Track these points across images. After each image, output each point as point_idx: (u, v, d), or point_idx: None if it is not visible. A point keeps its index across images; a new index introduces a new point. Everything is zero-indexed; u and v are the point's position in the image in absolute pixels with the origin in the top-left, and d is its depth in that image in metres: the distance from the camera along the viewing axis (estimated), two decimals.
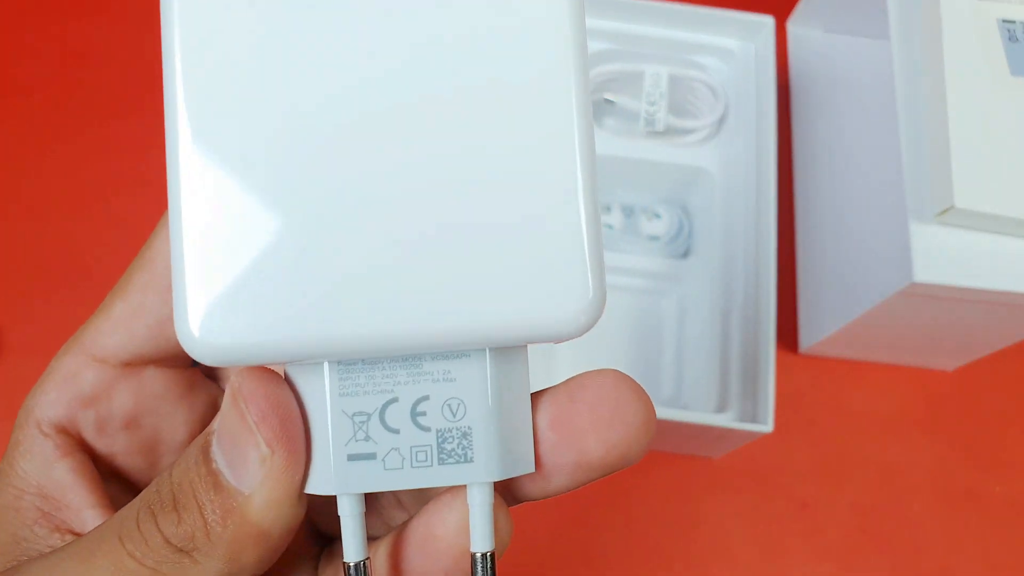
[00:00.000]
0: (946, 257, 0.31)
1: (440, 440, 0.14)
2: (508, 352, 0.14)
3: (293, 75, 0.13)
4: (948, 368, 0.43)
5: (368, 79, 0.13)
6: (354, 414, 0.14)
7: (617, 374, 0.14)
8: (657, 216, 0.42)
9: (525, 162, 0.13)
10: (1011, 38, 0.32)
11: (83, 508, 0.17)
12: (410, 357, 0.14)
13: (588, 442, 0.14)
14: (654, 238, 0.42)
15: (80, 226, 0.44)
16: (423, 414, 0.14)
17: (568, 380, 0.15)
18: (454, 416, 0.14)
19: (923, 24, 0.33)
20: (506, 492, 0.15)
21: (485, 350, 0.14)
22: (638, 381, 0.15)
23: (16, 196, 0.44)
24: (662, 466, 0.41)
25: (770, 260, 0.37)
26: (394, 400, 0.14)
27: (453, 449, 0.14)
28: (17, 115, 0.46)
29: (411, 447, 0.14)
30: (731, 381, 0.38)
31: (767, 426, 0.35)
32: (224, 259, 0.13)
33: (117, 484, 0.18)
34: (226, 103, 0.13)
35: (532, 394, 0.15)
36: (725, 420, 0.36)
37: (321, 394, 0.14)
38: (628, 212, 0.42)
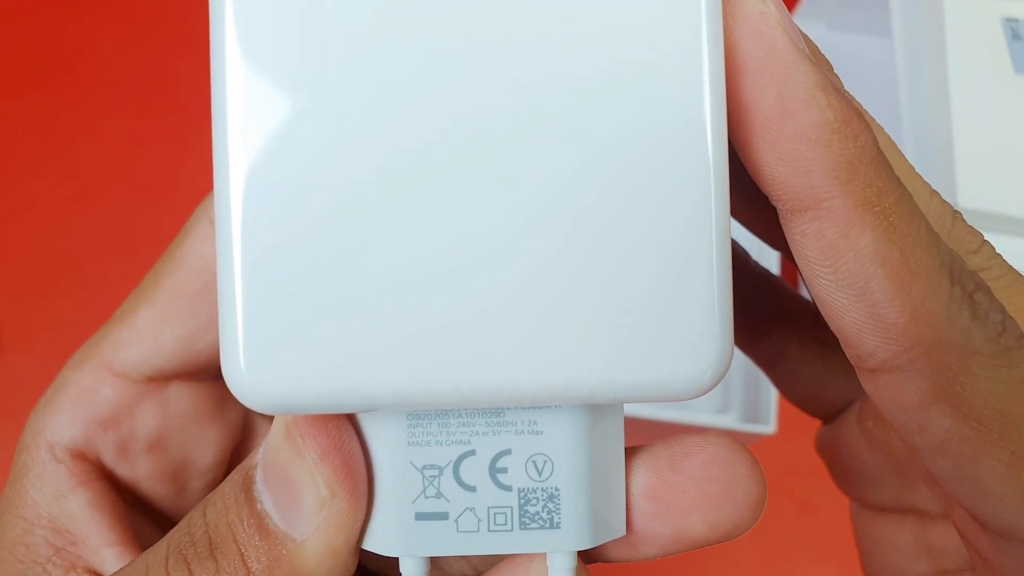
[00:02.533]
0: None
1: (522, 501, 0.12)
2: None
3: (376, 89, 0.11)
4: None
5: (456, 106, 0.11)
6: (424, 467, 0.12)
7: (730, 443, 0.13)
8: None
9: (646, 208, 0.11)
10: (1015, 36, 0.32)
11: (102, 546, 0.15)
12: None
13: (691, 520, 0.13)
14: None
15: (80, 226, 0.44)
16: (503, 470, 0.12)
17: (670, 441, 0.13)
18: (540, 475, 0.12)
19: (926, 22, 0.33)
20: (588, 551, 0.13)
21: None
22: None
23: (16, 196, 0.44)
24: None
25: (772, 260, 0.37)
26: (471, 453, 0.12)
27: (537, 512, 0.12)
28: (17, 115, 0.46)
29: (489, 508, 0.12)
30: (733, 382, 0.37)
31: (769, 427, 0.34)
32: (283, 292, 0.11)
33: (140, 513, 0.16)
34: (299, 107, 0.11)
35: (626, 449, 0.13)
36: (727, 421, 0.35)
37: (387, 441, 0.12)
38: None
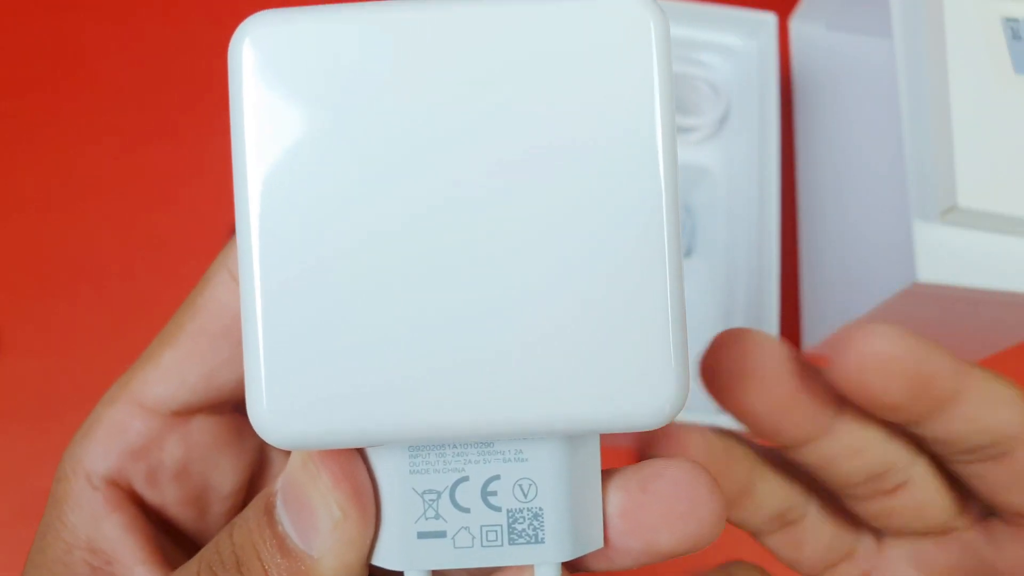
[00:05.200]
0: (950, 256, 0.31)
1: (511, 520, 0.14)
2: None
3: (378, 164, 0.12)
4: None
5: (446, 176, 0.12)
6: (424, 492, 0.14)
7: (693, 466, 0.14)
8: None
9: (608, 256, 0.12)
10: (1015, 36, 0.32)
11: (134, 564, 0.16)
12: None
13: (659, 535, 0.14)
14: None
15: (80, 226, 0.44)
16: (494, 493, 0.14)
17: (641, 465, 0.15)
18: (525, 496, 0.14)
19: (926, 22, 0.33)
20: (569, 563, 0.15)
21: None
22: None
23: (16, 196, 0.44)
24: None
25: (773, 259, 0.37)
26: (465, 479, 0.14)
27: (524, 529, 0.14)
28: (17, 115, 0.46)
29: (481, 526, 0.14)
30: None
31: None
32: (300, 347, 0.12)
33: (167, 535, 0.17)
34: (310, 178, 0.12)
35: (603, 471, 0.15)
36: (728, 421, 0.35)
37: (392, 470, 0.14)
38: None
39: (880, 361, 0.15)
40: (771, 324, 0.36)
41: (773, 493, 0.20)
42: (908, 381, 0.15)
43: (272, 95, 0.12)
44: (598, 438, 0.14)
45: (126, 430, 0.17)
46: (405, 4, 0.12)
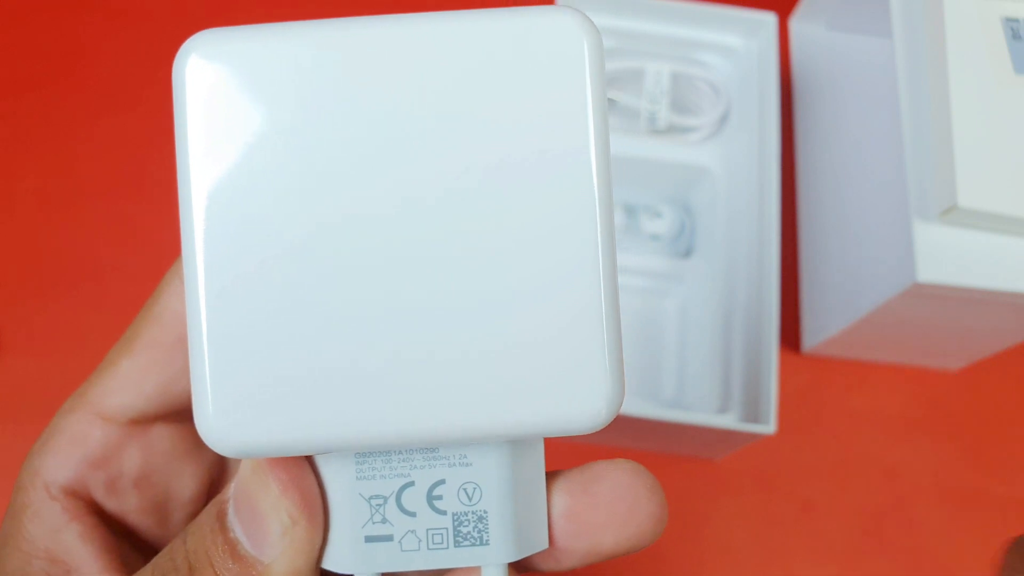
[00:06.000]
0: (950, 257, 0.31)
1: (456, 523, 0.14)
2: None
3: (319, 182, 0.13)
4: (952, 369, 0.43)
5: (387, 187, 0.13)
6: (371, 497, 0.14)
7: (634, 468, 0.15)
8: (659, 215, 0.42)
9: (544, 267, 0.13)
10: (1015, 36, 0.32)
11: (94, 573, 0.16)
12: None
13: (603, 536, 0.15)
14: (656, 237, 0.41)
15: (80, 226, 0.44)
16: (439, 498, 0.14)
17: (584, 468, 0.15)
18: (470, 500, 0.14)
19: (926, 22, 0.33)
20: (517, 564, 0.15)
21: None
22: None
23: (16, 196, 0.44)
24: (664, 467, 0.41)
25: (773, 259, 0.37)
26: (411, 484, 0.14)
27: (469, 532, 0.14)
28: (17, 115, 0.46)
29: (427, 529, 0.14)
30: (733, 382, 0.37)
31: (770, 427, 0.34)
32: (244, 360, 0.13)
33: (127, 543, 0.17)
34: (252, 196, 0.13)
35: (548, 474, 0.15)
36: (727, 421, 0.35)
37: (339, 477, 0.14)
38: (630, 211, 0.42)
39: None
40: (771, 324, 0.36)
41: None
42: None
43: (214, 109, 0.13)
44: (542, 443, 0.15)
45: (85, 439, 0.17)
46: (347, 22, 0.13)
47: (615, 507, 0.15)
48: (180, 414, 0.18)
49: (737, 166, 0.40)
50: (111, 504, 0.17)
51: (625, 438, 0.39)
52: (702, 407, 0.38)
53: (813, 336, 0.42)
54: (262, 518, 0.14)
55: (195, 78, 0.13)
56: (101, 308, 0.42)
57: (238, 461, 0.19)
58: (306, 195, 0.13)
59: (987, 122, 0.31)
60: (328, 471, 0.14)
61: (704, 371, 0.38)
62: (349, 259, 0.13)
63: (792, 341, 0.43)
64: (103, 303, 0.42)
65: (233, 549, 0.14)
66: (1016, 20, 0.32)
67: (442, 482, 0.14)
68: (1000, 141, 0.30)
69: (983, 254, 0.31)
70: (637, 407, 0.34)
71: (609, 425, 0.13)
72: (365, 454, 0.14)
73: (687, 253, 0.41)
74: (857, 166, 0.40)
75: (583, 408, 0.13)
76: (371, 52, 0.13)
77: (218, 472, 0.19)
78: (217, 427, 0.13)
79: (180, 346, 0.17)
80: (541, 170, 0.13)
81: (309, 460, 0.14)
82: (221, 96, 0.13)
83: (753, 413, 0.36)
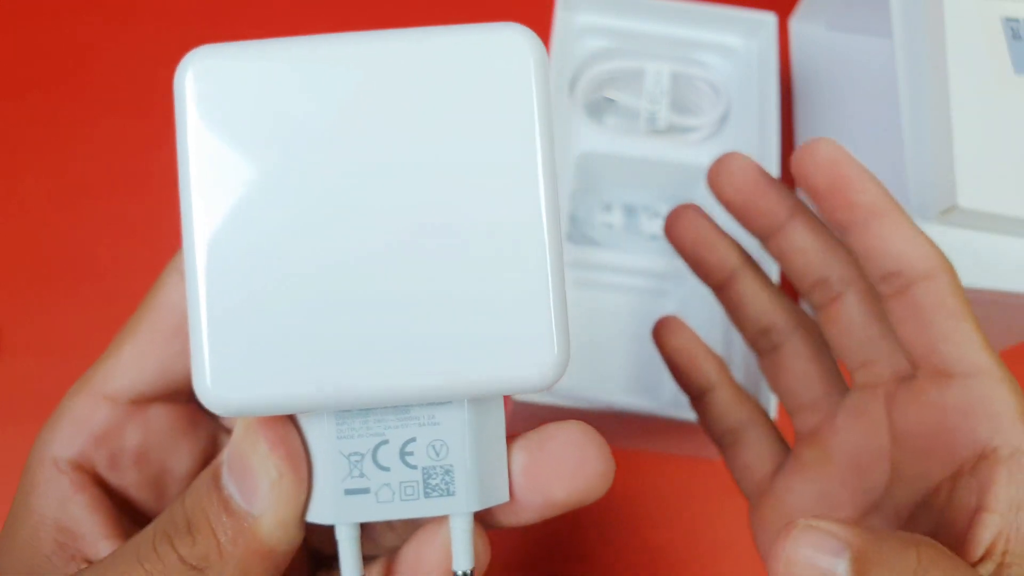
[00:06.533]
0: (949, 257, 0.31)
1: (425, 476, 0.16)
2: (485, 399, 0.16)
3: (302, 176, 0.15)
4: None
5: (361, 174, 0.15)
6: (350, 454, 0.16)
7: (582, 428, 0.16)
8: (658, 215, 0.42)
9: (499, 247, 0.15)
10: (1015, 36, 0.32)
11: (98, 539, 0.18)
12: (399, 405, 0.16)
13: (554, 488, 0.16)
14: (655, 237, 0.41)
15: (80, 226, 0.44)
16: (411, 454, 0.16)
17: (540, 429, 0.17)
18: (438, 455, 0.16)
19: (926, 21, 0.33)
20: (484, 519, 0.17)
21: (464, 399, 0.16)
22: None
23: (16, 196, 0.44)
24: (662, 467, 0.41)
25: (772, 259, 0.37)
26: (385, 442, 0.16)
27: (437, 484, 0.16)
28: (17, 115, 0.46)
29: (400, 483, 0.16)
30: None
31: None
32: (237, 325, 0.14)
33: (127, 516, 0.19)
34: (243, 190, 0.15)
35: (508, 436, 0.17)
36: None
37: (321, 436, 0.16)
38: (629, 211, 0.42)
39: (812, 151, 0.21)
40: None
41: (759, 301, 0.25)
42: (829, 172, 0.21)
43: (210, 117, 0.15)
44: (501, 406, 0.17)
45: (90, 419, 0.18)
46: (324, 39, 0.15)
47: (565, 462, 0.16)
48: (177, 395, 0.19)
49: None
50: (113, 479, 0.19)
51: (625, 437, 0.39)
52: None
53: None
54: (253, 474, 0.15)
55: (192, 88, 0.15)
56: (101, 307, 0.42)
57: (228, 440, 0.20)
58: (291, 189, 0.15)
59: (987, 122, 0.31)
60: (311, 432, 0.16)
61: None
62: (327, 245, 0.15)
63: None
64: (103, 303, 0.42)
65: (227, 505, 0.16)
66: (1016, 20, 0.32)
67: (413, 440, 0.16)
68: (1000, 141, 0.30)
69: (983, 254, 0.31)
70: (637, 406, 0.35)
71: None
72: (344, 415, 0.16)
73: None
74: None
75: (532, 370, 0.15)
76: (346, 64, 0.15)
77: (211, 451, 0.20)
78: (212, 391, 0.14)
79: (177, 333, 0.18)
80: (495, 161, 0.15)
81: (294, 423, 0.16)
82: (215, 102, 0.15)
83: None
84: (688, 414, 0.35)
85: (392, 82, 0.15)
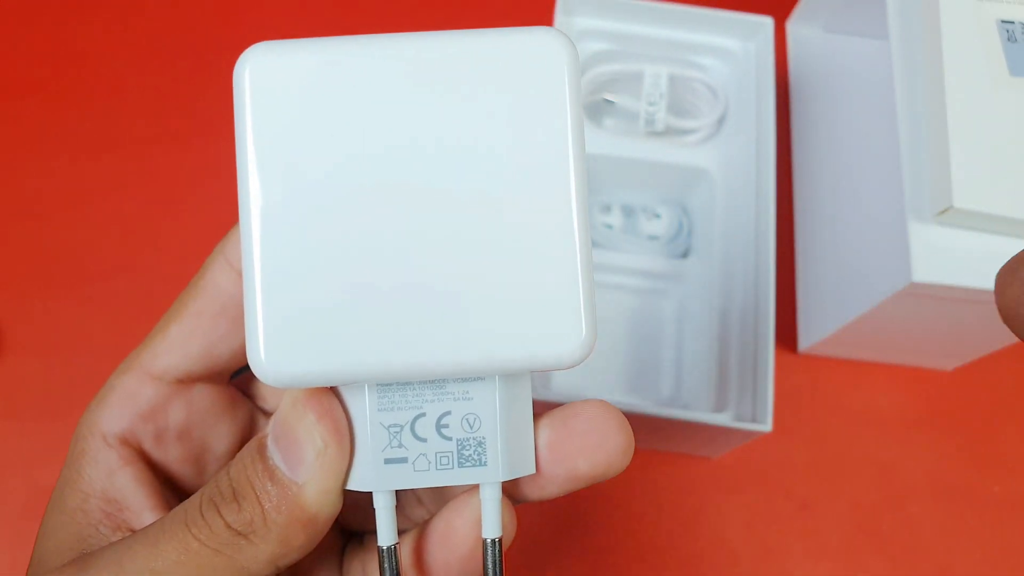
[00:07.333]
0: (945, 257, 0.31)
1: (459, 448, 0.17)
2: (515, 377, 0.17)
3: (350, 163, 0.16)
4: (947, 368, 0.43)
5: (405, 162, 0.16)
6: (390, 426, 0.17)
7: (604, 405, 0.17)
8: (657, 216, 0.42)
9: (533, 234, 0.16)
10: (1010, 38, 0.32)
11: (143, 510, 0.19)
12: (436, 380, 0.17)
13: (578, 462, 0.17)
14: (654, 238, 0.42)
15: (80, 226, 0.44)
16: (446, 426, 0.17)
17: (564, 406, 0.18)
18: (471, 428, 0.17)
19: (922, 24, 0.34)
20: (511, 493, 0.18)
21: (496, 376, 0.17)
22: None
23: (16, 196, 0.44)
24: (661, 465, 0.41)
25: (769, 260, 0.37)
26: (422, 415, 0.17)
27: (470, 455, 0.17)
28: (17, 115, 0.46)
29: (436, 453, 0.17)
30: (730, 381, 0.38)
31: (766, 426, 0.35)
32: (290, 303, 0.15)
33: (169, 490, 0.20)
34: (297, 176, 0.16)
35: (535, 413, 0.18)
36: (724, 419, 0.36)
37: (363, 409, 0.17)
38: (628, 212, 0.42)
39: None
40: (767, 324, 0.37)
41: None
42: None
43: (267, 108, 0.16)
44: (529, 383, 0.18)
45: (137, 396, 0.19)
46: (371, 42, 0.16)
47: (588, 437, 0.17)
48: (219, 376, 0.20)
49: (734, 168, 0.40)
50: (157, 454, 0.19)
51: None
52: (699, 406, 0.38)
53: (809, 336, 0.42)
54: (298, 444, 0.16)
55: (249, 81, 0.16)
56: (103, 307, 0.42)
57: (267, 420, 0.22)
58: (340, 176, 0.16)
59: (983, 123, 0.31)
60: (353, 405, 0.17)
61: (701, 370, 0.39)
62: (374, 229, 0.16)
63: (788, 341, 0.44)
64: (105, 302, 0.43)
65: (272, 473, 0.16)
66: (1012, 22, 0.32)
67: (448, 413, 0.17)
68: (995, 142, 0.31)
69: (978, 254, 0.31)
70: (635, 405, 0.35)
71: None
72: (384, 389, 0.17)
73: (685, 254, 0.42)
74: (853, 167, 0.41)
75: (561, 348, 0.16)
76: (394, 62, 0.16)
77: (248, 431, 0.21)
78: (268, 363, 0.15)
79: (221, 315, 0.19)
80: (531, 154, 0.16)
81: (338, 395, 0.17)
82: (271, 94, 0.16)
83: (750, 412, 0.37)
84: (687, 413, 0.35)
85: (436, 79, 0.16)
